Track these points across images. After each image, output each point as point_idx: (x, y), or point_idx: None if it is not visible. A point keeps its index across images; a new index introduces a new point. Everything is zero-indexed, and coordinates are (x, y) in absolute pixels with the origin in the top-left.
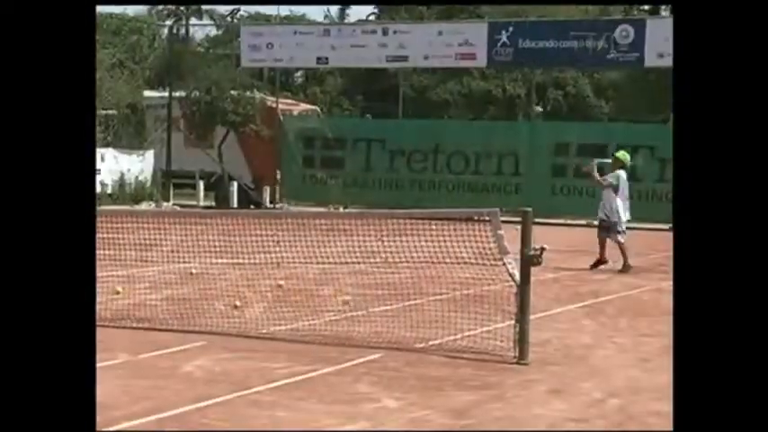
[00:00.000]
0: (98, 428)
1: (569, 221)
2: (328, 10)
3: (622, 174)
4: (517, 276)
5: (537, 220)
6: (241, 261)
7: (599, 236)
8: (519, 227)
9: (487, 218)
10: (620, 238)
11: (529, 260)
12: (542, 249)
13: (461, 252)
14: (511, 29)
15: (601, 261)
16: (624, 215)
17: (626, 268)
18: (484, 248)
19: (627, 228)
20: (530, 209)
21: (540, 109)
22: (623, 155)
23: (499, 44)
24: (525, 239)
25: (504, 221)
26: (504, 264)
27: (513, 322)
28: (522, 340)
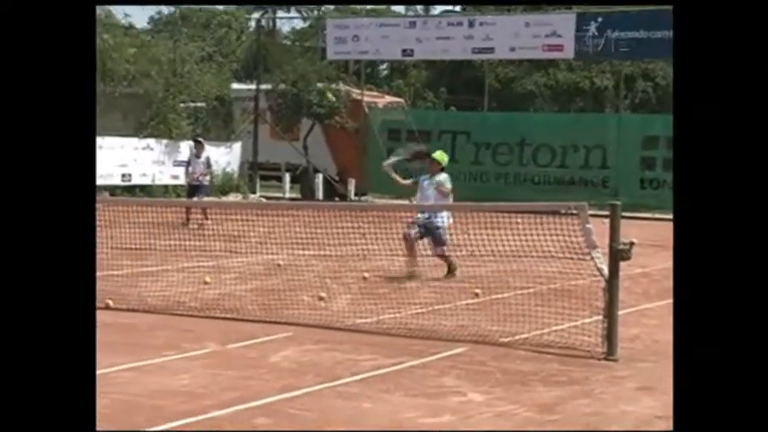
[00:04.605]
0: (189, 416)
1: (658, 216)
2: (412, 7)
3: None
4: (605, 271)
5: (625, 214)
6: (326, 253)
7: (412, 239)
8: (607, 221)
9: (575, 211)
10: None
11: (617, 255)
12: (631, 244)
13: (548, 246)
14: (600, 19)
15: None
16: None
17: (451, 273)
18: (571, 242)
19: None
20: (618, 202)
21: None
22: (441, 155)
23: (587, 35)
24: (614, 234)
25: (591, 215)
26: (591, 258)
27: (600, 317)
28: (610, 336)
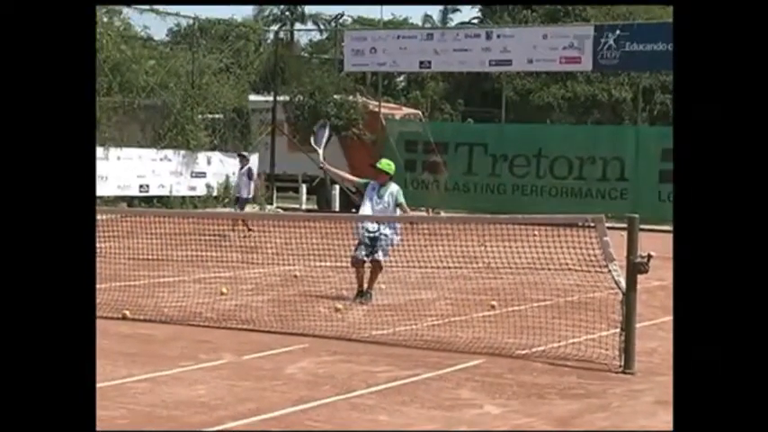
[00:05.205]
0: (205, 428)
1: None
2: (430, 19)
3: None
4: (623, 284)
5: (643, 226)
6: (343, 264)
7: (361, 261)
8: (625, 233)
9: (592, 224)
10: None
11: (635, 267)
12: (649, 257)
13: (565, 258)
14: (618, 32)
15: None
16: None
17: (366, 295)
18: (588, 255)
19: None
20: (636, 215)
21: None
22: (388, 164)
23: (605, 47)
24: (631, 246)
25: (609, 228)
26: (609, 271)
27: (618, 330)
28: (627, 349)
